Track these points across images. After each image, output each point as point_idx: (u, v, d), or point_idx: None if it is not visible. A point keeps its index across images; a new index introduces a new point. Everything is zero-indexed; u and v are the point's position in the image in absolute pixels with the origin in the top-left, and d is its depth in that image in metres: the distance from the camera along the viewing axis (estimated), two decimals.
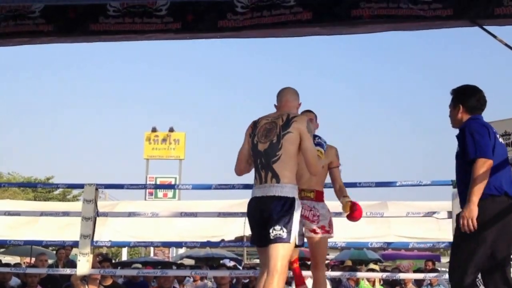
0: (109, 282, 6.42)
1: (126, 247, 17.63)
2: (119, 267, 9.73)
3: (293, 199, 3.75)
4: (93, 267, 5.70)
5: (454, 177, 4.07)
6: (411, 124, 58.34)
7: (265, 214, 3.74)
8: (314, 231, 4.53)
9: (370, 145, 53.99)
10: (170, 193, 22.56)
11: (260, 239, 3.80)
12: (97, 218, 5.62)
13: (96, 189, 5.59)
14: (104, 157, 57.07)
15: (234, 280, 8.08)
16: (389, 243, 7.45)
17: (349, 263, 11.28)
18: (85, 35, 5.82)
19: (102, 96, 55.43)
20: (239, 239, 11.36)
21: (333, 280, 8.29)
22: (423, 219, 9.08)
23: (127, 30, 5.69)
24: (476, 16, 5.09)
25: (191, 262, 15.80)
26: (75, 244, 5.73)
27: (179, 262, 14.64)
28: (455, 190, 4.56)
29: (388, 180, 6.02)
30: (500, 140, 3.72)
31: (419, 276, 7.77)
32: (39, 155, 53.11)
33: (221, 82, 58.28)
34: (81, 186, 5.81)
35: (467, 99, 3.80)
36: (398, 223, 11.21)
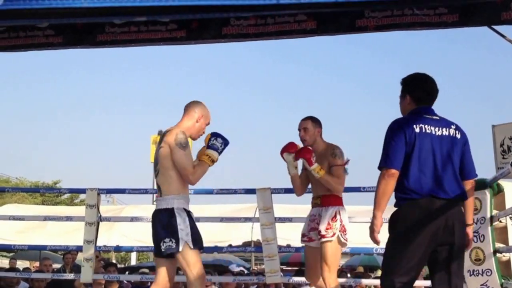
0: (115, 287, 6.48)
1: (135, 252, 17.70)
2: (127, 272, 9.78)
3: (170, 210, 3.93)
4: (96, 272, 5.75)
5: None
6: None
7: (157, 227, 3.98)
8: (309, 239, 4.57)
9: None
10: None
11: (156, 250, 4.02)
12: (105, 223, 5.66)
13: (98, 194, 5.62)
14: (111, 160, 57.26)
15: (243, 286, 8.09)
16: None
17: (360, 269, 11.24)
18: (93, 45, 5.94)
19: (108, 100, 55.59)
20: (247, 244, 11.39)
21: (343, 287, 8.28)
22: None
23: (133, 39, 5.77)
24: (482, 21, 5.00)
25: None
26: (79, 249, 5.78)
27: None
28: None
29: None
30: (444, 133, 3.37)
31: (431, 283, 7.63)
32: (46, 159, 53.29)
33: (226, 85, 58.37)
34: (83, 191, 5.85)
35: (414, 89, 3.54)
36: None
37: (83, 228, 5.57)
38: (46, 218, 7.87)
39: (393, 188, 3.29)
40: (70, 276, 6.60)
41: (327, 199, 4.55)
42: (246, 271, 12.44)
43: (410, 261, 3.23)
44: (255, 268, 15.10)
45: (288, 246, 8.73)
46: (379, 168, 3.32)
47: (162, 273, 4.04)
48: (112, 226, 11.42)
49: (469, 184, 3.48)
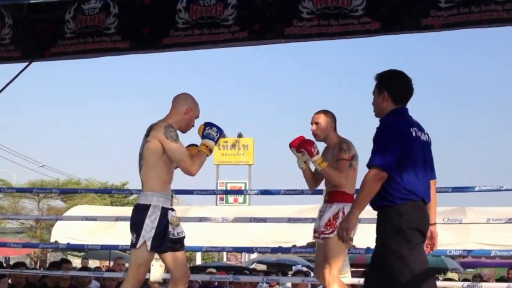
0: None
1: (200, 252, 17.94)
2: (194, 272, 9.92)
3: (147, 206, 3.83)
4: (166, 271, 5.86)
5: None
6: (491, 125, 56.43)
7: (130, 221, 3.94)
8: (315, 237, 4.50)
9: (445, 148, 52.70)
10: (240, 198, 22.76)
11: None
12: None
13: None
14: None
15: (309, 287, 8.08)
16: (469, 251, 7.10)
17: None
18: (159, 49, 6.11)
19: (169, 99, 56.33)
20: (311, 245, 11.36)
21: None
22: (505, 225, 8.76)
23: (196, 42, 5.89)
24: None
25: (263, 267, 15.90)
26: None
27: (251, 267, 14.77)
28: None
29: (466, 185, 5.82)
30: (424, 138, 3.34)
31: (502, 285, 7.29)
32: (114, 161, 54.62)
33: (289, 85, 58.30)
34: None
35: (394, 85, 3.37)
36: (478, 230, 10.81)
37: None
38: (118, 219, 8.06)
39: (377, 191, 3.17)
40: None
41: (333, 195, 4.40)
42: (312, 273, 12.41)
43: (423, 263, 3.19)
44: None
45: (353, 247, 8.65)
46: (372, 165, 3.18)
47: (170, 267, 4.03)
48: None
49: (433, 184, 3.46)
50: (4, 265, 12.08)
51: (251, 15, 5.75)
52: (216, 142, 4.04)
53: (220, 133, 4.05)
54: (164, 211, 3.87)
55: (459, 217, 7.64)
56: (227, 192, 22.92)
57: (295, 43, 5.89)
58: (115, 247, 8.94)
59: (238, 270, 13.03)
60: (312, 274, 11.70)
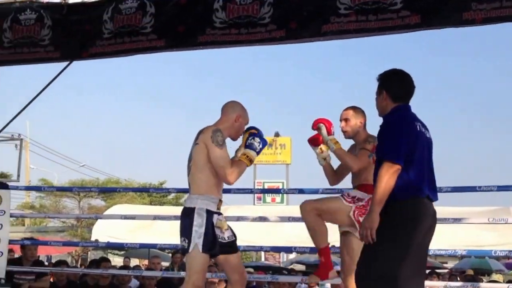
0: (222, 286, 6.60)
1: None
2: None
3: (192, 209, 3.84)
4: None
5: None
6: None
7: (180, 225, 3.94)
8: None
9: (490, 147, 51.70)
10: (278, 198, 22.72)
11: None
12: None
13: None
14: None
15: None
16: None
17: (470, 272, 10.86)
18: (194, 47, 6.13)
19: (208, 101, 56.76)
20: None
21: None
22: None
23: (233, 40, 5.89)
24: None
25: (301, 267, 15.83)
26: None
27: (289, 267, 14.70)
28: None
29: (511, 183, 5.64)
30: (427, 135, 3.34)
31: None
32: (153, 161, 55.18)
33: (327, 84, 58.07)
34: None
35: (391, 85, 3.41)
36: None
37: None
38: (156, 218, 8.12)
39: (393, 185, 3.14)
40: (180, 274, 6.79)
41: (363, 189, 4.23)
42: None
43: (415, 261, 3.16)
44: None
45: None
46: (383, 160, 3.16)
47: (226, 270, 4.07)
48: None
49: None
50: (46, 263, 12.28)
51: (288, 13, 5.71)
52: (258, 153, 4.04)
53: (264, 144, 4.06)
54: (209, 214, 3.86)
55: (504, 217, 7.45)
56: (264, 191, 22.93)
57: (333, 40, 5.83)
58: (154, 246, 8.99)
59: (277, 270, 13.00)
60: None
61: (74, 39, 6.52)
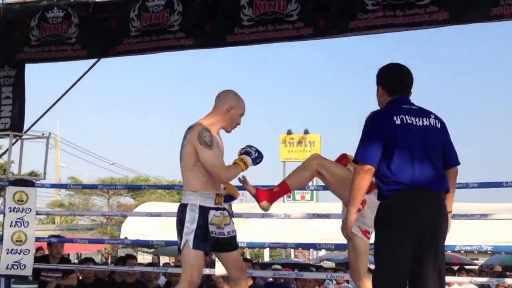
0: (250, 282, 6.59)
1: (267, 249, 17.95)
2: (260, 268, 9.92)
3: (185, 205, 3.79)
4: None
5: None
6: None
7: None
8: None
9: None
10: (307, 195, 22.63)
11: None
12: (239, 220, 5.74)
13: None
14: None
15: None
16: None
17: (498, 268, 10.73)
18: (222, 46, 6.15)
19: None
20: None
21: (482, 286, 7.93)
22: None
23: (260, 39, 5.89)
24: None
25: (331, 265, 15.78)
26: None
27: (318, 264, 14.65)
28: None
29: None
30: (424, 123, 3.23)
31: None
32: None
33: (356, 81, 57.76)
34: None
35: (385, 80, 3.40)
36: None
37: None
38: None
39: (367, 184, 3.17)
40: (205, 271, 6.79)
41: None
42: None
43: (399, 259, 3.10)
44: None
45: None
46: (354, 162, 3.26)
47: (226, 267, 4.00)
48: (245, 223, 11.61)
49: (453, 172, 3.38)
50: (76, 261, 12.41)
51: (315, 10, 5.70)
52: (253, 161, 3.92)
53: (260, 156, 3.96)
54: (203, 210, 3.78)
55: None
56: None
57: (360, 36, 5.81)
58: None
59: (304, 267, 12.96)
60: None
61: (101, 37, 6.57)
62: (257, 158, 3.95)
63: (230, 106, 3.92)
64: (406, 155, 3.14)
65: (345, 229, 3.26)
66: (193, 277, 3.75)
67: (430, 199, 3.14)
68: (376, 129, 3.20)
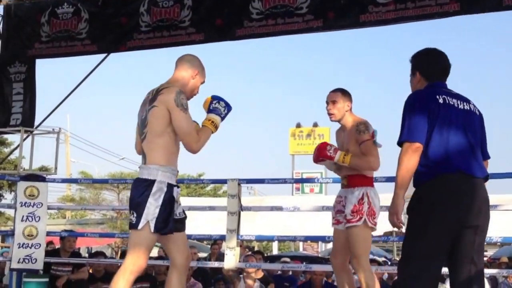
0: (259, 275, 6.61)
1: (276, 242, 17.99)
2: (268, 261, 9.95)
3: (151, 182, 3.32)
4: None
5: None
6: None
7: (130, 197, 3.44)
8: (337, 222, 4.16)
9: None
10: (316, 188, 22.65)
11: None
12: (248, 214, 5.75)
13: (239, 184, 5.72)
14: (251, 154, 58.55)
15: (386, 276, 7.92)
16: None
17: (504, 259, 10.71)
18: (232, 40, 6.15)
19: (247, 94, 56.88)
20: (388, 234, 11.20)
21: (491, 279, 7.93)
22: None
23: (270, 32, 5.90)
24: None
25: None
26: (222, 238, 5.92)
27: (327, 257, 14.66)
28: None
29: None
30: (465, 107, 3.05)
31: None
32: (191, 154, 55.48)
33: (365, 74, 57.62)
34: (224, 181, 6.00)
35: (424, 65, 3.20)
36: None
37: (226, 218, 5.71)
38: (190, 208, 8.14)
39: (416, 164, 2.92)
40: (214, 264, 6.81)
41: (353, 179, 4.08)
42: (388, 262, 12.22)
43: (433, 245, 2.89)
44: (397, 259, 14.80)
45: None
46: (400, 143, 2.97)
47: (171, 250, 3.53)
48: (254, 216, 11.65)
49: (486, 165, 3.15)
50: (86, 255, 12.47)
51: (325, 3, 5.69)
52: (223, 118, 3.57)
53: (229, 109, 3.58)
54: (170, 188, 3.37)
55: None
56: (298, 180, 22.75)
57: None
58: (189, 237, 9.04)
59: (314, 260, 12.98)
60: (389, 263, 11.60)
61: (111, 32, 6.60)
62: (227, 113, 3.58)
63: (196, 71, 3.55)
64: (448, 137, 2.96)
65: (393, 215, 2.96)
66: (140, 260, 3.33)
67: (471, 185, 2.95)
68: (422, 106, 2.99)
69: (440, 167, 2.92)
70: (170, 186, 3.37)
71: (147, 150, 3.40)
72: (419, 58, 3.25)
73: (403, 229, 3.18)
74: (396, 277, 8.06)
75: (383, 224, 4.27)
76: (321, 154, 4.11)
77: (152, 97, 3.38)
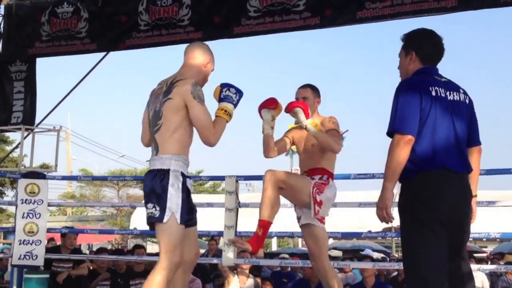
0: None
1: (275, 238, 18.02)
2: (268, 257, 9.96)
3: (166, 171, 3.20)
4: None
5: None
6: None
7: (145, 190, 3.32)
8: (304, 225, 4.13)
9: None
10: None
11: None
12: (246, 210, 5.79)
13: (237, 180, 5.75)
14: (249, 151, 58.55)
15: (385, 273, 7.94)
16: None
17: (509, 258, 10.73)
18: (230, 38, 6.19)
19: (247, 92, 56.80)
20: (386, 230, 11.22)
21: (492, 274, 7.98)
22: None
23: (268, 29, 5.94)
24: None
25: (338, 253, 15.83)
26: (220, 234, 5.96)
27: None
28: None
29: None
30: (455, 97, 2.91)
31: None
32: (191, 150, 55.55)
33: (379, 68, 57.60)
34: (222, 178, 6.04)
35: (423, 44, 3.00)
36: None
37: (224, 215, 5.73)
38: None
39: (407, 157, 2.79)
40: (212, 260, 6.86)
41: (313, 173, 3.99)
42: (387, 258, 12.26)
43: (439, 247, 2.76)
44: (396, 255, 14.85)
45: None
46: (391, 133, 2.83)
47: (181, 245, 3.26)
48: (253, 213, 11.64)
49: (476, 151, 3.07)
50: (87, 251, 12.52)
51: (322, 0, 5.73)
52: (235, 105, 3.43)
53: (240, 95, 3.46)
54: (184, 178, 3.25)
55: None
56: None
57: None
58: None
59: None
60: (388, 259, 11.63)
61: (110, 31, 6.64)
62: (239, 100, 3.46)
63: (207, 60, 3.45)
64: (435, 132, 2.84)
65: (382, 209, 2.86)
66: (176, 258, 3.17)
67: (456, 181, 2.85)
68: (416, 96, 2.83)
69: (426, 164, 2.82)
70: (184, 176, 3.25)
71: (160, 142, 3.28)
72: (416, 37, 3.06)
73: (393, 224, 3.13)
74: (393, 274, 8.16)
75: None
76: (300, 105, 3.89)
77: (167, 89, 3.27)
